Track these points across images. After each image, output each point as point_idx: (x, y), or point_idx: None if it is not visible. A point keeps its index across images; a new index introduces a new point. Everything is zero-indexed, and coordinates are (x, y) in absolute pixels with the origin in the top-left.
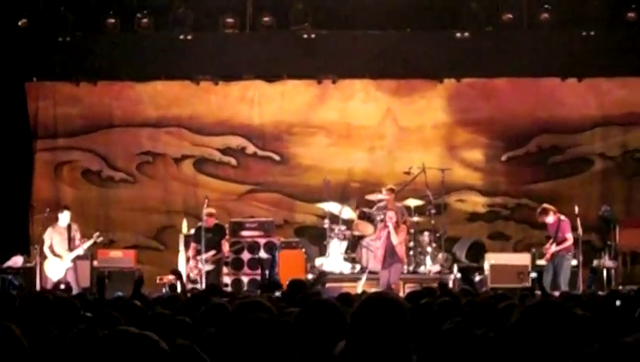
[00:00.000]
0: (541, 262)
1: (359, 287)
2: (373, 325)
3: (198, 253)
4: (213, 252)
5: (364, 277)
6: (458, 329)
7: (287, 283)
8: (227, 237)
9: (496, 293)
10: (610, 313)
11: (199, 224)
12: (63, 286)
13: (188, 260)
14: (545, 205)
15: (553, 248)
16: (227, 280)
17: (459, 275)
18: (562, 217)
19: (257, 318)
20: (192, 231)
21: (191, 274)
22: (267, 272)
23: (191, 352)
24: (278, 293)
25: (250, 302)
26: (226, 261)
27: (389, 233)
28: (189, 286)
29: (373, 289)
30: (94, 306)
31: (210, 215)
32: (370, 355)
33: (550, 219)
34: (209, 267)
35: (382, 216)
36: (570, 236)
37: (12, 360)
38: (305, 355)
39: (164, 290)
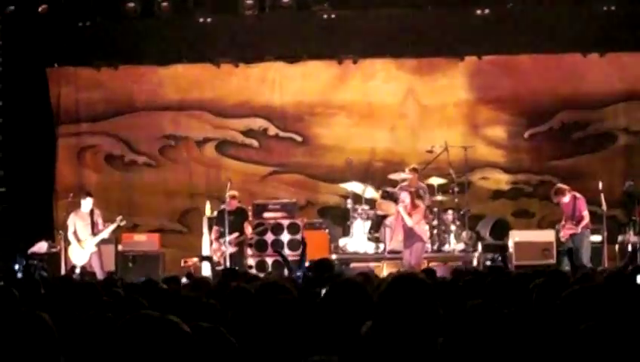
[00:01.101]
0: (562, 239)
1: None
2: (401, 305)
3: (221, 235)
4: (236, 234)
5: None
6: (483, 307)
7: (313, 263)
8: (250, 219)
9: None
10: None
11: (222, 207)
12: (78, 271)
13: (211, 243)
14: (559, 185)
15: (573, 230)
16: (251, 261)
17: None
18: (577, 195)
19: (279, 300)
20: (215, 213)
21: (214, 257)
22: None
23: (217, 334)
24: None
25: (270, 283)
26: (250, 243)
27: (399, 215)
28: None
29: (394, 270)
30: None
31: (232, 197)
32: (396, 335)
33: (566, 198)
34: (232, 249)
35: None
36: (586, 213)
37: (43, 348)
38: (331, 335)
39: (184, 279)
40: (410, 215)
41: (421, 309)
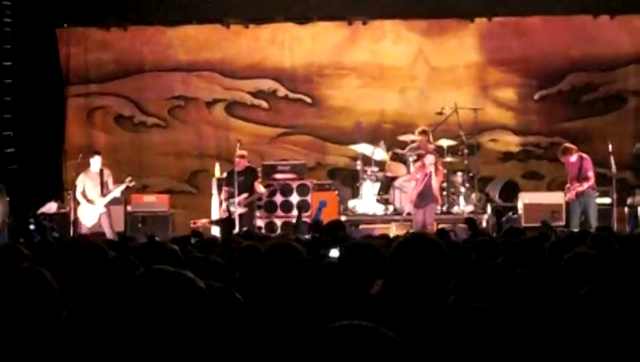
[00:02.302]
0: (567, 200)
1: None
2: (411, 265)
3: (230, 196)
4: (245, 195)
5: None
6: (494, 267)
7: (326, 224)
8: (259, 179)
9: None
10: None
11: (232, 168)
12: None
13: (220, 204)
14: (567, 144)
15: (581, 187)
16: (260, 223)
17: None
18: (584, 155)
19: (287, 259)
20: (225, 174)
21: (224, 218)
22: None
23: (226, 293)
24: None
25: (280, 243)
26: (259, 204)
27: (429, 176)
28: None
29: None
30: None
31: (241, 156)
32: (407, 295)
33: (573, 158)
34: (242, 210)
35: (414, 157)
36: (592, 174)
37: (44, 303)
38: (343, 295)
39: (192, 239)
40: (436, 175)
41: (432, 269)
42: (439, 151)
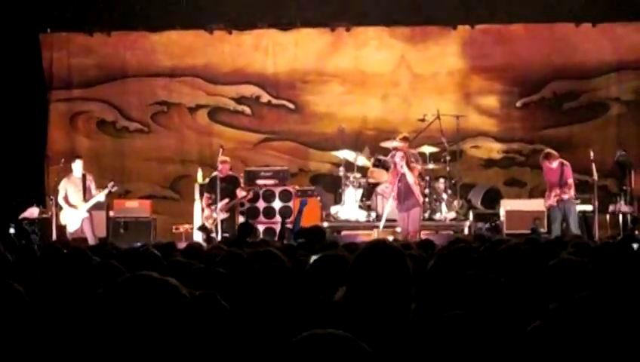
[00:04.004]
0: (546, 206)
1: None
2: (373, 273)
3: (212, 202)
4: (226, 200)
5: (381, 224)
6: (471, 275)
7: (307, 230)
8: (242, 185)
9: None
10: (626, 257)
11: (214, 174)
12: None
13: (202, 210)
14: (549, 150)
15: (565, 194)
16: None
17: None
18: (565, 162)
19: (267, 266)
20: (207, 180)
21: (206, 224)
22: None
23: (211, 300)
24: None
25: (262, 251)
26: (242, 210)
27: (403, 174)
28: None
29: (390, 237)
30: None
31: (224, 162)
32: (368, 302)
33: (554, 164)
34: (224, 215)
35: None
36: (572, 181)
37: (13, 316)
38: (309, 301)
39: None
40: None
41: (393, 276)
42: (422, 158)
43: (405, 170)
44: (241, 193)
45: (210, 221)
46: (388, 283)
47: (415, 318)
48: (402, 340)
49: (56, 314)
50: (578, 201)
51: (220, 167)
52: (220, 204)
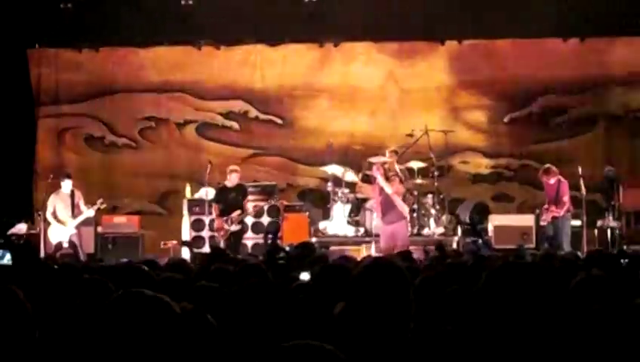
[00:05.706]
0: (542, 223)
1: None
2: (373, 290)
3: (221, 213)
4: (238, 212)
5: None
6: (459, 292)
7: (296, 245)
8: (248, 197)
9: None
10: (616, 272)
11: (224, 183)
12: (66, 245)
13: (212, 222)
14: (549, 165)
15: (557, 213)
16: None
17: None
18: (562, 179)
19: (252, 283)
20: (196, 195)
21: (216, 235)
22: (271, 237)
23: (199, 317)
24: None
25: (248, 265)
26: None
27: (381, 187)
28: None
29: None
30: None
31: (233, 171)
32: (368, 319)
33: (552, 180)
34: (235, 227)
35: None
36: (567, 198)
37: (15, 323)
38: (308, 315)
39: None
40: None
41: (393, 295)
42: (410, 173)
43: (382, 182)
44: (248, 208)
45: (222, 233)
46: (389, 302)
47: (414, 336)
48: (400, 358)
49: (49, 330)
50: (570, 216)
51: (228, 174)
52: (232, 215)
